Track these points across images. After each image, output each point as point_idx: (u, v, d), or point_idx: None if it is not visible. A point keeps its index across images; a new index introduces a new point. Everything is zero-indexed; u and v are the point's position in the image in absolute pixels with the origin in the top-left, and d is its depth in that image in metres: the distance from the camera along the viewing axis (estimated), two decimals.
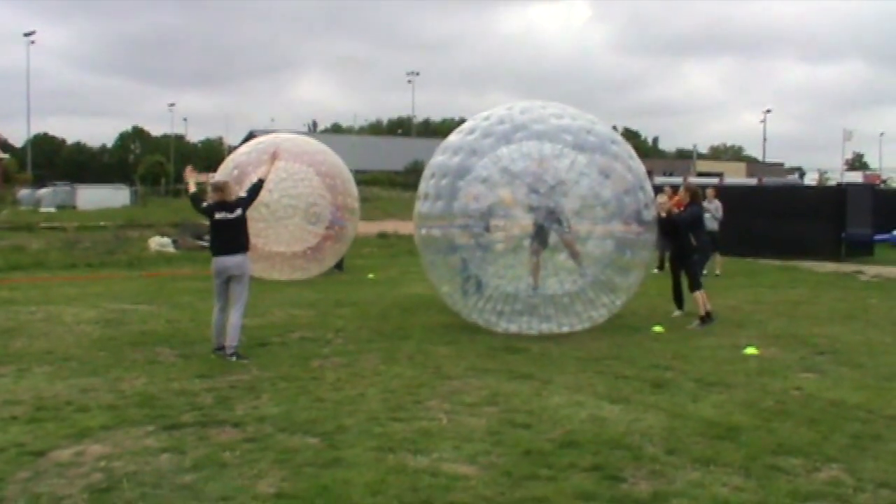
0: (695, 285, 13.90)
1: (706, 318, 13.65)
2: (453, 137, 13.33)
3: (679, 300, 14.68)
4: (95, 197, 70.14)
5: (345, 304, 15.88)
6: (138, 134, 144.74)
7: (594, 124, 13.06)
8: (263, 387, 9.35)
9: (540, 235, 12.38)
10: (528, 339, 12.17)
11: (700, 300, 13.77)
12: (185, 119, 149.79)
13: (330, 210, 20.02)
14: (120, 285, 19.15)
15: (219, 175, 11.52)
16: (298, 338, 12.43)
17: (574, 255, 12.47)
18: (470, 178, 12.56)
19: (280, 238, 19.26)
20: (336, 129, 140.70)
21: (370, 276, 21.37)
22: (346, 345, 11.90)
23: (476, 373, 10.16)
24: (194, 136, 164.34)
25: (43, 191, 74.25)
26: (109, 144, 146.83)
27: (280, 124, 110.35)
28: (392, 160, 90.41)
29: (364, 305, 15.71)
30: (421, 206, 13.26)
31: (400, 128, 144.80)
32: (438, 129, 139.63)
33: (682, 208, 14.01)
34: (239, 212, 11.24)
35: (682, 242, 14.12)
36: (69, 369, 10.24)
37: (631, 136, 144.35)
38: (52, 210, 60.85)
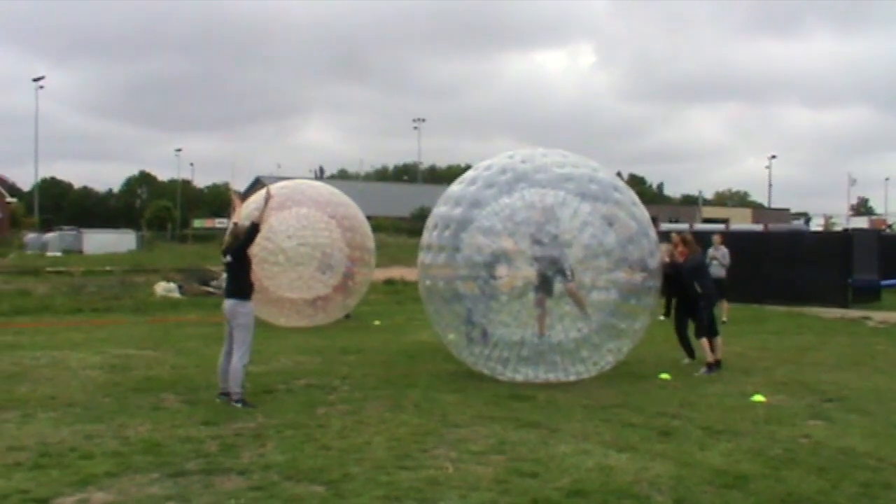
0: (702, 331, 13.85)
1: (713, 366, 13.59)
2: (455, 188, 13.32)
3: (688, 348, 14.62)
4: (102, 241, 70.36)
5: (351, 351, 15.83)
6: (145, 179, 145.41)
7: (596, 171, 13.05)
8: (269, 434, 9.30)
9: (544, 285, 12.34)
10: (534, 387, 12.11)
11: (707, 346, 13.71)
12: (191, 164, 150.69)
13: (345, 263, 20.07)
14: (125, 331, 19.11)
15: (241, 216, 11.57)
16: (304, 385, 12.36)
17: (579, 304, 12.40)
18: (472, 228, 12.55)
19: (292, 284, 19.32)
20: (342, 174, 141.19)
21: (376, 322, 21.30)
22: (352, 392, 11.84)
23: (483, 421, 10.10)
24: (201, 181, 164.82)
25: (49, 235, 74.42)
26: (116, 189, 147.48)
27: (286, 170, 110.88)
28: (398, 206, 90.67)
29: (370, 352, 15.66)
30: (424, 257, 13.24)
31: (406, 174, 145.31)
32: (444, 176, 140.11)
33: (684, 258, 13.97)
34: (229, 258, 11.26)
35: (686, 290, 14.09)
36: (73, 415, 10.20)
37: (636, 182, 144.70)
38: (59, 254, 60.92)
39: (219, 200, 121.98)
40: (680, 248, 14.05)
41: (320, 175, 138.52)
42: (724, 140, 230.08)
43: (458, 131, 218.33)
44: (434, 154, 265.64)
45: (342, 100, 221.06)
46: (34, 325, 20.35)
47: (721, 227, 50.27)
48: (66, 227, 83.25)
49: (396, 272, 31.74)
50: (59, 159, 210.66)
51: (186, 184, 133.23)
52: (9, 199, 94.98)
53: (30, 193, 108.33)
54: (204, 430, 9.45)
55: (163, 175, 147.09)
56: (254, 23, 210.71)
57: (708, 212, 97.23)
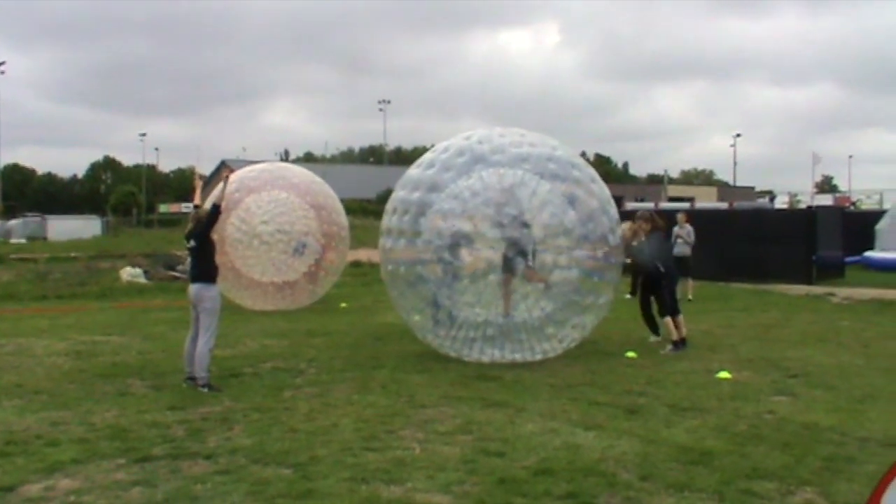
0: (665, 310, 13.94)
1: (679, 344, 13.69)
2: (413, 171, 13.26)
3: (653, 326, 14.70)
4: (66, 228, 69.95)
5: (317, 333, 15.81)
6: (109, 164, 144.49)
7: (555, 150, 13.02)
8: (236, 418, 9.29)
9: (508, 266, 12.35)
10: (501, 367, 12.14)
11: (671, 325, 13.81)
12: (156, 149, 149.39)
13: (318, 251, 20.05)
14: (91, 317, 19.01)
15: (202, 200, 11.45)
16: (271, 368, 12.35)
17: (540, 283, 12.46)
18: (431, 212, 12.51)
19: (264, 269, 19.34)
20: (308, 157, 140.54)
21: (343, 304, 21.27)
22: (319, 375, 11.84)
23: (449, 401, 10.13)
24: (166, 165, 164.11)
25: (13, 222, 74.01)
26: (80, 175, 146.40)
27: (252, 153, 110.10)
28: (364, 188, 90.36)
29: (337, 335, 15.64)
30: (385, 242, 13.23)
31: (372, 156, 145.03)
32: (410, 157, 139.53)
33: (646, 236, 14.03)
34: (192, 242, 11.23)
35: (649, 270, 14.16)
36: (39, 402, 10.15)
37: (601, 161, 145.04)
38: (23, 241, 60.57)
39: (184, 185, 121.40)
40: (643, 226, 14.10)
41: (285, 158, 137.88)
42: (690, 119, 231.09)
43: (424, 112, 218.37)
44: (400, 136, 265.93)
45: (307, 81, 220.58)
46: None
47: (686, 205, 50.45)
48: (29, 214, 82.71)
49: (363, 254, 31.70)
50: (22, 145, 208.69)
51: (151, 169, 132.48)
52: None
53: None
54: (170, 415, 9.41)
55: (127, 160, 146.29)
56: (218, 3, 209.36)
57: (674, 190, 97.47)
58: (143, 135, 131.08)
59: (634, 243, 13.99)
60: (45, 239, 65.08)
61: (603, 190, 13.20)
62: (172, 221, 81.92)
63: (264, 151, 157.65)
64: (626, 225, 13.93)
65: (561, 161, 12.84)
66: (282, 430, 8.78)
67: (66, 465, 7.60)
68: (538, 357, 12.55)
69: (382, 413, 9.51)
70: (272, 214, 19.24)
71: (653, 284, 14.23)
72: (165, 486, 7.04)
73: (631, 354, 13.19)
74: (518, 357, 12.49)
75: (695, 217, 23.83)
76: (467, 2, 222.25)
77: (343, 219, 21.04)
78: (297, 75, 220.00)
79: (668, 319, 13.85)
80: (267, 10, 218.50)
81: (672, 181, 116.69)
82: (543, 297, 12.43)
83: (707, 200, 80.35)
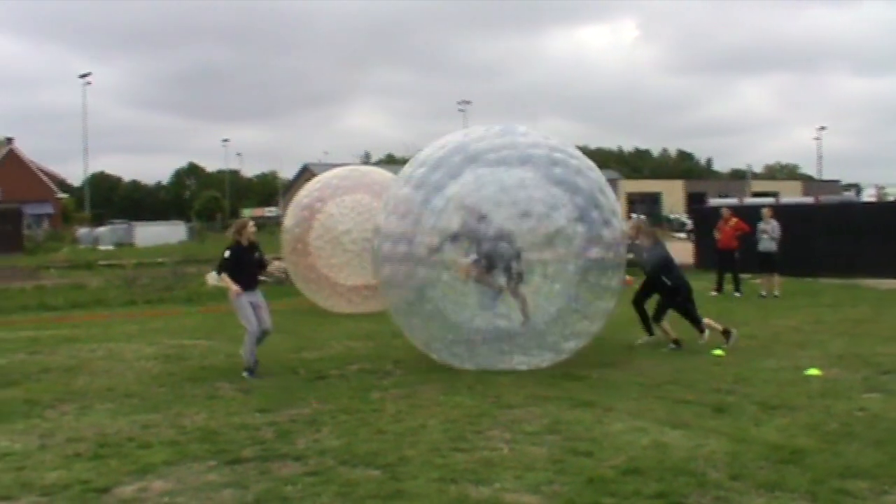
0: (660, 315, 13.62)
1: (678, 343, 13.48)
2: (409, 170, 12.73)
3: (647, 324, 14.21)
4: (153, 234, 71.07)
5: (402, 335, 15.79)
6: (193, 170, 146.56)
7: (534, 148, 12.30)
8: (324, 420, 9.35)
9: (509, 274, 11.96)
10: (587, 366, 12.05)
11: (667, 328, 13.57)
12: (238, 154, 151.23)
13: None
14: (178, 321, 19.28)
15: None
16: (357, 370, 12.42)
17: (521, 304, 12.09)
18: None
19: (347, 272, 19.46)
20: (390, 159, 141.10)
21: None
22: (406, 376, 11.88)
23: (536, 401, 10.09)
24: (249, 170, 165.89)
25: (101, 229, 75.33)
26: (165, 181, 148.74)
27: (334, 157, 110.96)
28: None
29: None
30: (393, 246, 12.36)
31: None
32: None
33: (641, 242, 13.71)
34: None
35: (655, 283, 13.79)
36: (130, 406, 10.33)
37: (684, 157, 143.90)
38: (111, 248, 61.61)
39: (267, 189, 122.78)
40: (643, 239, 13.74)
41: (367, 160, 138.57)
42: (773, 112, 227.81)
43: (503, 112, 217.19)
44: None
45: (386, 83, 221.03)
46: (89, 318, 20.59)
47: (771, 200, 49.79)
48: (117, 221, 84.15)
49: None
50: (107, 153, 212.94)
51: (234, 174, 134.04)
52: (60, 195, 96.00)
53: (80, 188, 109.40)
54: (259, 418, 9.52)
55: (211, 166, 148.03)
56: (295, 8, 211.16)
57: (757, 185, 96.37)
58: (226, 140, 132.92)
59: (637, 241, 13.62)
60: (132, 245, 66.16)
61: (590, 184, 12.30)
62: (256, 225, 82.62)
63: (345, 154, 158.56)
64: (630, 223, 13.70)
65: (539, 162, 12.09)
66: (370, 431, 8.82)
67: (158, 467, 7.72)
68: (545, 364, 12.17)
69: (469, 413, 9.51)
70: (355, 220, 19.32)
71: (667, 299, 13.71)
72: (256, 487, 7.12)
73: (718, 352, 13.02)
74: (550, 358, 12.21)
75: (780, 212, 23.47)
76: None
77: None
78: (376, 77, 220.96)
79: (664, 323, 13.58)
80: (344, 14, 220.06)
81: (756, 176, 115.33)
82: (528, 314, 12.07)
83: (792, 195, 79.27)
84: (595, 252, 11.99)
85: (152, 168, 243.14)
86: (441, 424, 9.03)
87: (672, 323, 13.68)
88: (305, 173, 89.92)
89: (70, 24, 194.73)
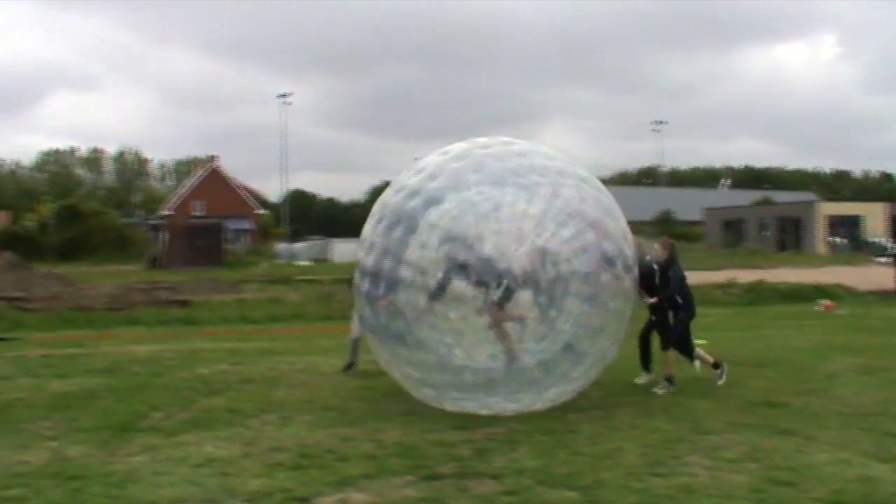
0: (667, 343, 12.49)
1: (672, 379, 12.31)
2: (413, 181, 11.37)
3: (646, 362, 13.17)
4: (348, 250, 72.40)
5: None
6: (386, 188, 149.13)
7: (521, 158, 10.98)
8: (520, 439, 9.30)
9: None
10: (788, 394, 11.65)
11: (671, 359, 12.41)
12: None
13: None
14: None
15: None
16: None
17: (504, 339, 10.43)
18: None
19: None
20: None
21: None
22: (603, 398, 11.70)
23: (735, 427, 9.80)
24: None
25: (299, 245, 77.28)
26: (355, 198, 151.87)
27: None
28: (641, 210, 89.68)
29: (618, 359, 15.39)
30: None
31: (648, 177, 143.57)
32: (687, 178, 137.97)
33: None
34: None
35: (666, 301, 12.59)
36: (329, 418, 10.49)
37: (886, 178, 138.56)
38: (308, 263, 63.10)
39: None
40: (661, 253, 12.66)
41: None
42: None
43: (698, 132, 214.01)
44: (675, 156, 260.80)
45: (578, 103, 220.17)
46: (288, 331, 21.11)
47: None
48: (314, 237, 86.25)
49: None
50: (304, 171, 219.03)
51: None
52: (259, 211, 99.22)
53: (278, 205, 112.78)
54: (455, 435, 9.52)
55: None
56: (485, 27, 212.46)
57: None
58: (417, 159, 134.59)
59: (647, 257, 12.56)
60: (328, 261, 67.61)
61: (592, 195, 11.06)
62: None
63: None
64: (662, 243, 12.84)
65: (525, 182, 10.61)
66: (567, 452, 8.73)
67: (357, 480, 7.82)
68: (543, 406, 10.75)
69: (667, 438, 9.31)
70: None
71: (662, 316, 12.65)
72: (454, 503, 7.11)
73: None
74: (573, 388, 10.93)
75: None
76: (739, 16, 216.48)
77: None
78: (568, 96, 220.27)
79: (671, 353, 12.45)
80: (534, 32, 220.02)
81: None
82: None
83: None
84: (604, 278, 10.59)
85: (345, 186, 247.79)
86: (638, 448, 8.87)
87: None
88: None
89: (268, 46, 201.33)
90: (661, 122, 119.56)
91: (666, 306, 12.47)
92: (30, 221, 71.27)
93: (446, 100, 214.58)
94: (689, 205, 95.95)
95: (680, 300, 12.44)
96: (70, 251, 63.42)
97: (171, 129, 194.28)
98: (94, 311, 24.35)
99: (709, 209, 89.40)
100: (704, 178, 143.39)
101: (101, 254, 64.54)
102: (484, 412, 10.42)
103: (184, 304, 26.25)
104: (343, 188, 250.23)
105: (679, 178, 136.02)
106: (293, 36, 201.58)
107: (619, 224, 11.21)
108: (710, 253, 62.77)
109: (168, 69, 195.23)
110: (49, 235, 66.92)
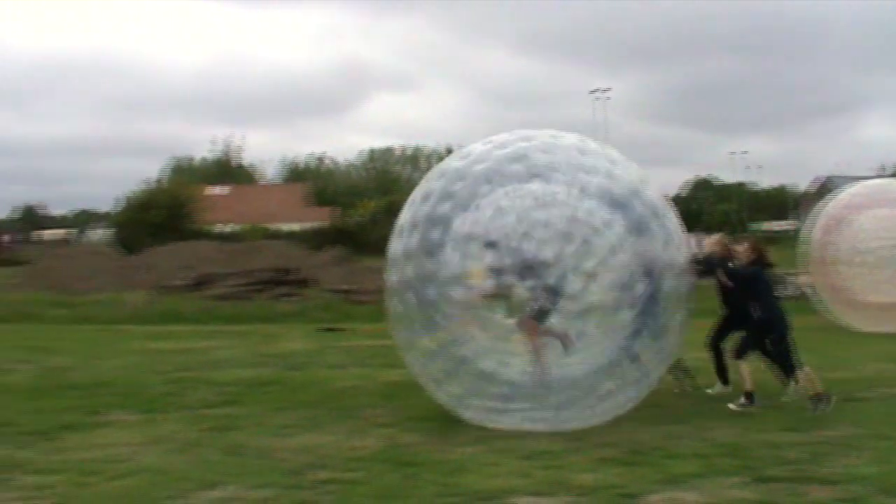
0: (740, 352, 11.01)
1: (750, 397, 10.77)
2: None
3: (722, 373, 11.83)
4: None
5: None
6: (703, 183, 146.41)
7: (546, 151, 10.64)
8: (859, 444, 8.91)
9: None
10: None
11: (745, 372, 10.87)
12: (760, 167, 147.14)
13: None
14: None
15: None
16: (893, 394, 11.76)
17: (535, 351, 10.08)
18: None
19: (871, 288, 18.71)
20: None
21: None
22: None
23: None
24: (764, 182, 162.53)
25: None
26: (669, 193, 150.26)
27: (851, 168, 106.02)
28: None
29: None
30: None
31: None
32: None
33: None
34: None
35: (737, 303, 11.24)
36: (656, 416, 10.33)
37: None
38: None
39: (778, 202, 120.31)
40: (747, 254, 11.18)
41: (882, 173, 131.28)
42: None
43: None
44: None
45: None
46: None
47: None
48: None
49: None
50: None
51: (741, 186, 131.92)
52: None
53: None
54: (787, 437, 9.26)
55: (729, 178, 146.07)
56: (811, 15, 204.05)
57: None
58: (736, 152, 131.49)
59: (730, 264, 11.08)
60: None
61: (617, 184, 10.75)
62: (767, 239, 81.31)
63: (860, 167, 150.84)
64: (714, 239, 11.76)
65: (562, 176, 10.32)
66: None
67: (687, 479, 7.76)
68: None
69: None
70: (882, 235, 18.55)
71: (757, 333, 11.06)
72: None
73: None
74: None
75: None
76: None
77: None
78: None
79: (743, 365, 10.91)
80: (859, 18, 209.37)
81: None
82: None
83: None
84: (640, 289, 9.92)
85: (666, 180, 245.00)
86: None
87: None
88: (827, 185, 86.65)
89: (582, 43, 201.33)
90: None
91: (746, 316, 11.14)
92: (355, 217, 74.27)
93: (764, 91, 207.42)
94: None
95: (760, 312, 10.96)
96: None
97: (485, 126, 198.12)
98: None
99: None
100: None
101: None
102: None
103: None
104: (658, 182, 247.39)
105: None
106: (608, 33, 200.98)
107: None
108: None
109: (481, 67, 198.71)
110: (372, 231, 69.70)
